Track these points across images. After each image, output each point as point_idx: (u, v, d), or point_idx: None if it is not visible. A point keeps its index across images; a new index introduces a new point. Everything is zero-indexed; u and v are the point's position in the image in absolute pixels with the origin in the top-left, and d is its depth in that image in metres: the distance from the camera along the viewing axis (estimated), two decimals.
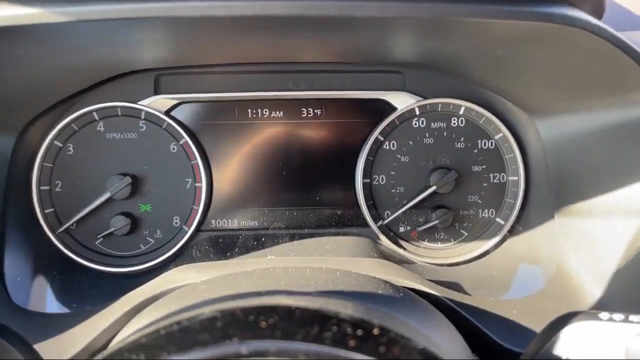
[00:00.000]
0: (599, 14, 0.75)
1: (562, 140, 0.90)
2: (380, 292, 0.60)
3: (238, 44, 0.92)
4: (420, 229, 1.00)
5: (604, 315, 0.58)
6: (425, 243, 1.02)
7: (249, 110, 1.00)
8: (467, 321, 0.75)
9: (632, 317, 0.57)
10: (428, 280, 0.89)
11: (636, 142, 0.73)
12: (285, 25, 0.84)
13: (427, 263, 0.99)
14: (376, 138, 0.99)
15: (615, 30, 1.02)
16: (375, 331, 0.34)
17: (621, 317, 0.57)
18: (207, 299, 0.45)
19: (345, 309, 0.38)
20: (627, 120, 0.73)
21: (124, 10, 0.66)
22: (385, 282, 0.66)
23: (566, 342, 0.58)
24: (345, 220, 1.00)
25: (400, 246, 1.00)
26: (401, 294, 0.63)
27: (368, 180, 1.00)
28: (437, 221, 0.98)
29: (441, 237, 1.01)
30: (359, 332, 0.33)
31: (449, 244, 1.01)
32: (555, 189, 0.92)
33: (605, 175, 0.79)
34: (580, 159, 0.85)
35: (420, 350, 0.36)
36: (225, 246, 0.94)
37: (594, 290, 0.78)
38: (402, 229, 1.01)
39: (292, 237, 0.96)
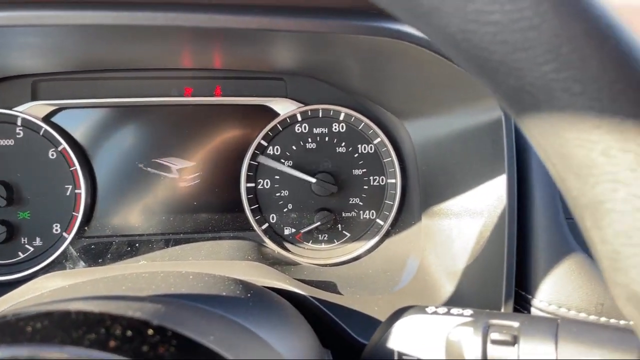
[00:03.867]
0: None
1: (427, 144, 0.95)
2: (224, 293, 0.62)
3: (117, 51, 0.92)
4: (303, 231, 1.03)
5: (430, 308, 0.63)
6: (310, 244, 1.05)
7: (132, 116, 1.00)
8: (329, 318, 0.79)
9: (453, 310, 0.62)
10: (306, 280, 0.92)
11: (479, 147, 0.78)
12: (161, 34, 0.85)
13: (311, 264, 1.02)
14: (259, 143, 1.01)
15: None
16: (150, 332, 0.36)
17: (444, 310, 0.62)
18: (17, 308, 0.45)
19: (136, 311, 0.40)
20: (472, 126, 0.79)
21: None
22: (239, 282, 0.68)
23: (397, 334, 0.62)
24: (231, 225, 1.02)
25: (285, 248, 1.03)
26: (249, 295, 0.65)
27: (252, 185, 1.02)
28: (318, 223, 1.02)
29: (325, 238, 1.05)
30: (129, 333, 0.35)
31: (332, 244, 1.05)
32: (423, 190, 0.97)
33: (458, 177, 0.85)
34: (440, 162, 0.91)
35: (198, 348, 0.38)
36: (97, 253, 0.93)
37: (448, 286, 0.83)
38: (287, 232, 1.04)
39: (167, 243, 0.97)
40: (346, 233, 1.05)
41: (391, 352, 0.63)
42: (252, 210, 1.01)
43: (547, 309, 0.73)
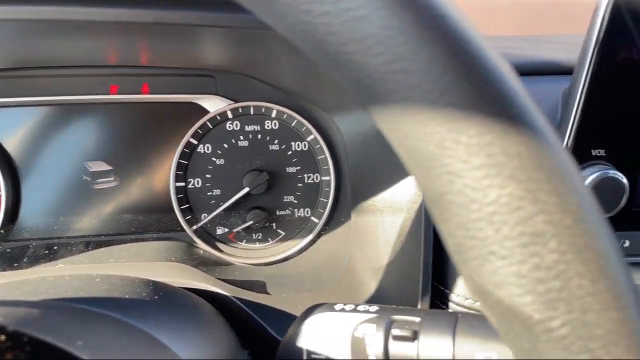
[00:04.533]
0: None
1: (356, 140, 0.95)
2: (127, 295, 0.61)
3: (37, 48, 0.89)
4: (236, 230, 1.02)
5: (338, 306, 0.62)
6: (244, 244, 1.03)
7: (55, 116, 0.97)
8: (251, 318, 0.78)
9: (360, 307, 0.61)
10: (235, 280, 0.91)
11: None
12: (77, 29, 0.83)
13: (245, 263, 1.01)
14: (189, 141, 0.99)
15: None
16: (2, 338, 0.35)
17: (352, 307, 0.62)
18: None
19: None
20: None
21: None
22: (150, 284, 0.67)
23: (306, 332, 0.62)
24: (156, 226, 1.00)
25: (218, 248, 1.01)
26: (156, 296, 0.63)
27: (182, 184, 1.00)
28: (251, 222, 1.00)
29: (259, 237, 1.04)
30: None
31: (267, 243, 1.04)
32: (353, 187, 0.97)
33: (382, 172, 0.85)
34: (367, 157, 0.90)
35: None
36: (13, 257, 0.90)
37: (372, 283, 0.83)
38: (219, 232, 1.03)
39: (88, 245, 0.94)
40: (280, 232, 1.04)
41: (300, 350, 0.62)
42: (182, 210, 1.00)
43: (463, 303, 0.74)
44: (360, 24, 0.29)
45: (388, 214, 0.82)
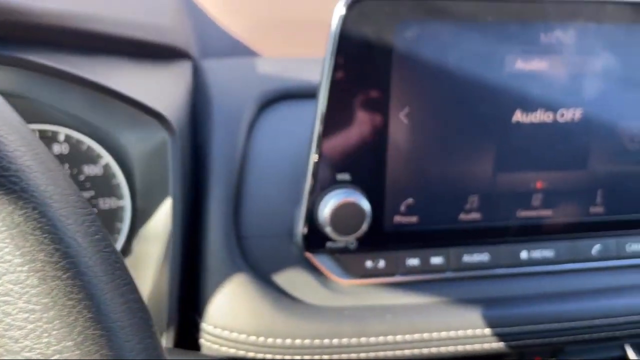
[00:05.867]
0: None
1: (144, 163, 0.93)
2: None
3: None
4: None
5: None
6: None
7: None
8: None
9: None
10: None
11: (157, 168, 0.78)
12: None
13: None
14: None
15: (220, 57, 1.08)
16: None
17: None
18: None
19: None
20: (142, 152, 0.78)
21: None
22: None
23: None
24: None
25: None
26: None
27: None
28: None
29: None
30: None
31: None
32: (142, 213, 0.96)
33: (156, 197, 0.84)
34: (149, 182, 0.89)
35: None
36: None
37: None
38: None
39: None
40: None
41: None
42: None
43: (213, 332, 0.74)
44: None
45: (153, 242, 0.81)
